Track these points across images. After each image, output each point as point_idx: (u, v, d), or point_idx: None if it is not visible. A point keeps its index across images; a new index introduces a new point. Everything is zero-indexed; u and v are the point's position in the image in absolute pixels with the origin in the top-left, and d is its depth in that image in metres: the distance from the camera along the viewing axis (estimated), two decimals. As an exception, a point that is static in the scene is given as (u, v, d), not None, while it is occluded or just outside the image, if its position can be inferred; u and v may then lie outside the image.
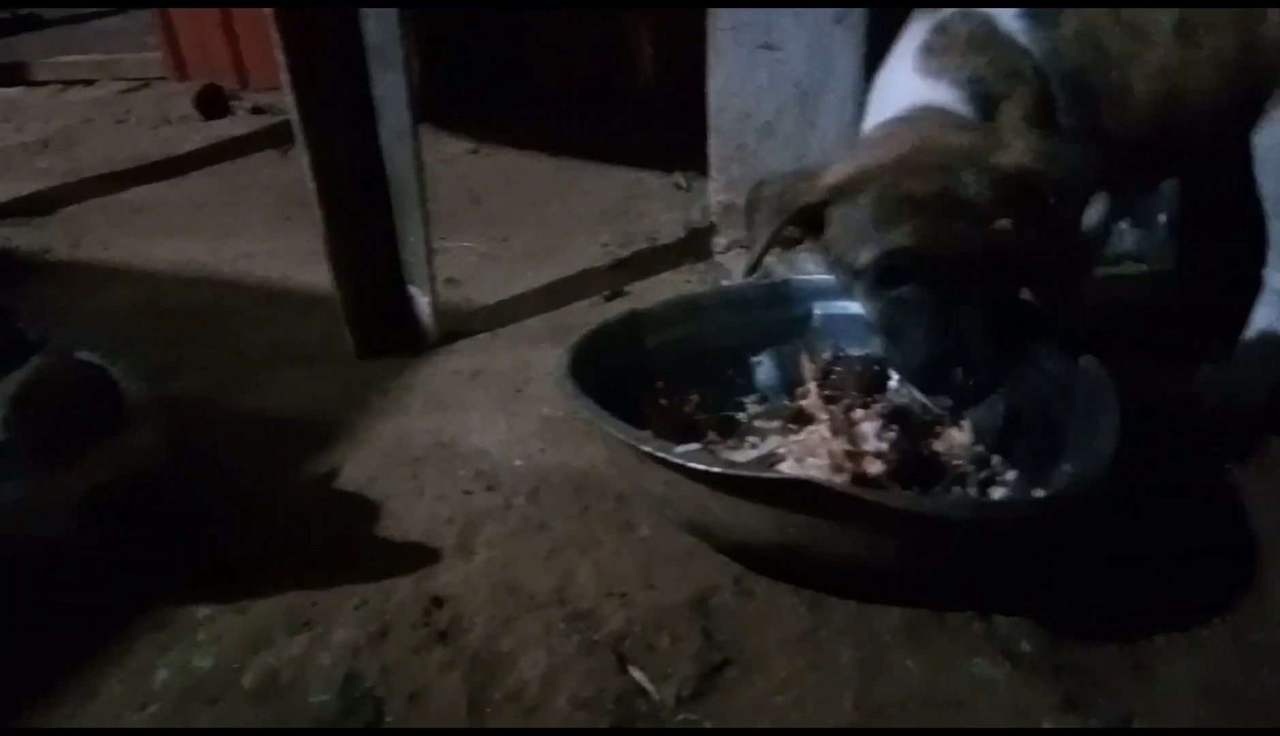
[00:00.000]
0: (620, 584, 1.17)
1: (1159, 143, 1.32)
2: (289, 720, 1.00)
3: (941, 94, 1.20)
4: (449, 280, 2.01)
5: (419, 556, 1.23)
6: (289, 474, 1.42)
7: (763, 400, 1.45)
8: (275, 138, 2.88)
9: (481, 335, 1.80)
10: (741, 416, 1.42)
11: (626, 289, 1.93)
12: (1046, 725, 0.96)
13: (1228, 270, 1.55)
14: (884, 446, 1.23)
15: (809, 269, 1.71)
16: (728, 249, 2.02)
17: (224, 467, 1.43)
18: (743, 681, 1.03)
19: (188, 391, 1.63)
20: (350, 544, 1.26)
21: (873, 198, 1.09)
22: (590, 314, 1.83)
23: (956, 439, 1.30)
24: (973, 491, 1.20)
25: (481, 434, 1.50)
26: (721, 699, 1.01)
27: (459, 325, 1.82)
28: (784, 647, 1.06)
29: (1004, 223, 1.05)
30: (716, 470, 0.98)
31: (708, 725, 0.98)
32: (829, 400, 1.34)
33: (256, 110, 3.41)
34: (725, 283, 1.91)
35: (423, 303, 1.74)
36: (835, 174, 1.14)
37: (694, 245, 2.13)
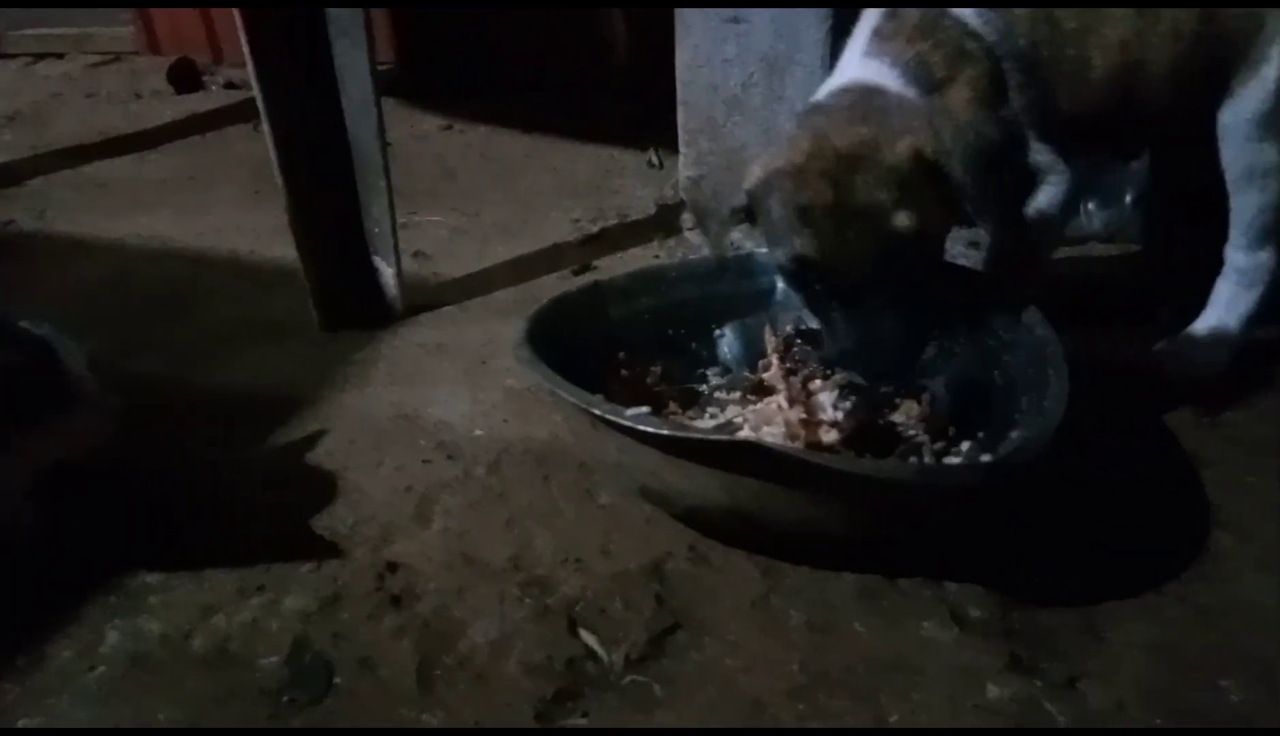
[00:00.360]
0: (577, 551, 1.17)
1: (1120, 117, 1.32)
2: (238, 685, 0.99)
3: (882, 76, 1.22)
4: (419, 254, 2.00)
5: (375, 525, 1.23)
6: (250, 447, 1.41)
7: (725, 372, 1.45)
8: (247, 113, 2.83)
9: (449, 308, 1.79)
10: (703, 388, 1.42)
11: (595, 264, 1.93)
12: (992, 686, 0.96)
13: (1193, 247, 1.56)
14: (839, 416, 1.24)
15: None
16: (696, 225, 2.02)
17: (185, 442, 1.42)
18: (693, 645, 1.03)
19: (151, 367, 1.62)
20: (307, 513, 1.25)
21: (776, 205, 1.16)
22: (558, 288, 1.80)
23: (914, 410, 1.31)
24: (928, 460, 1.20)
25: (445, 406, 1.49)
26: (671, 662, 1.01)
27: (427, 299, 1.81)
28: (735, 612, 1.07)
29: (902, 218, 1.09)
30: (665, 433, 0.98)
31: (656, 688, 0.98)
32: (790, 373, 1.34)
33: (229, 85, 3.37)
34: (690, 256, 1.91)
35: (388, 275, 1.73)
36: (750, 178, 1.20)
37: (664, 221, 2.12)
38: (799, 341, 1.42)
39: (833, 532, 1.06)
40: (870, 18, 1.31)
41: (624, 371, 1.37)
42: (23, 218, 2.25)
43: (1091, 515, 1.20)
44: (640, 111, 2.64)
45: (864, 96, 1.19)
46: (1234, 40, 1.31)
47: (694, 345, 1.47)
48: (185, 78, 3.35)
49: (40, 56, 3.82)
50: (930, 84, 1.21)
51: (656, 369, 1.40)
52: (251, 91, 1.60)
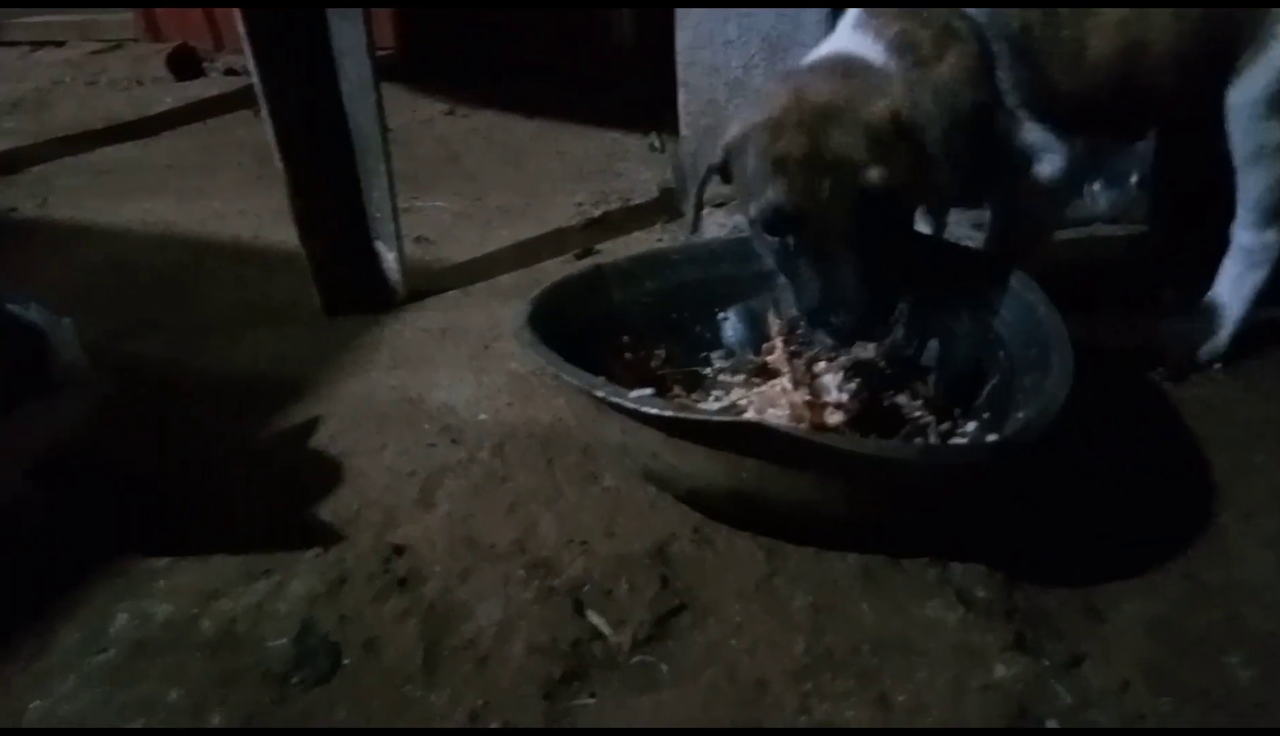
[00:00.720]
0: (581, 533, 1.17)
1: (1120, 98, 1.32)
2: (245, 668, 1.00)
3: (867, 49, 1.22)
4: (422, 239, 2.00)
5: (380, 508, 1.23)
6: (253, 431, 1.41)
7: (729, 355, 1.45)
8: (248, 98, 2.82)
9: (452, 292, 1.79)
10: (707, 371, 1.42)
11: (598, 247, 1.92)
12: (997, 665, 0.97)
13: (1199, 228, 1.55)
14: (844, 398, 1.24)
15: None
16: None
17: (187, 425, 1.42)
18: (698, 626, 1.03)
19: (153, 350, 1.62)
20: (312, 497, 1.26)
21: (752, 157, 1.15)
22: (561, 272, 1.80)
23: (920, 392, 1.31)
24: (933, 441, 1.20)
25: (448, 390, 1.49)
26: (676, 643, 1.01)
27: (430, 283, 1.81)
28: (740, 594, 1.07)
29: (874, 172, 1.09)
30: (669, 414, 0.98)
31: (663, 668, 0.98)
32: (794, 355, 1.34)
33: (230, 71, 3.37)
34: (693, 238, 1.90)
35: (390, 260, 1.73)
36: (728, 133, 1.20)
37: (667, 205, 2.12)
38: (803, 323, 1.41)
39: (837, 514, 1.06)
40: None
41: (627, 354, 1.37)
42: (25, 204, 2.25)
43: (1095, 495, 1.20)
44: (643, 95, 2.62)
45: (845, 62, 1.21)
46: (1241, 19, 1.30)
47: (697, 328, 1.47)
48: (186, 64, 3.35)
49: (42, 44, 3.81)
50: (915, 60, 1.22)
51: (660, 352, 1.40)
52: (251, 78, 1.59)
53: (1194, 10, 1.28)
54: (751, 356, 1.41)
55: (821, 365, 1.31)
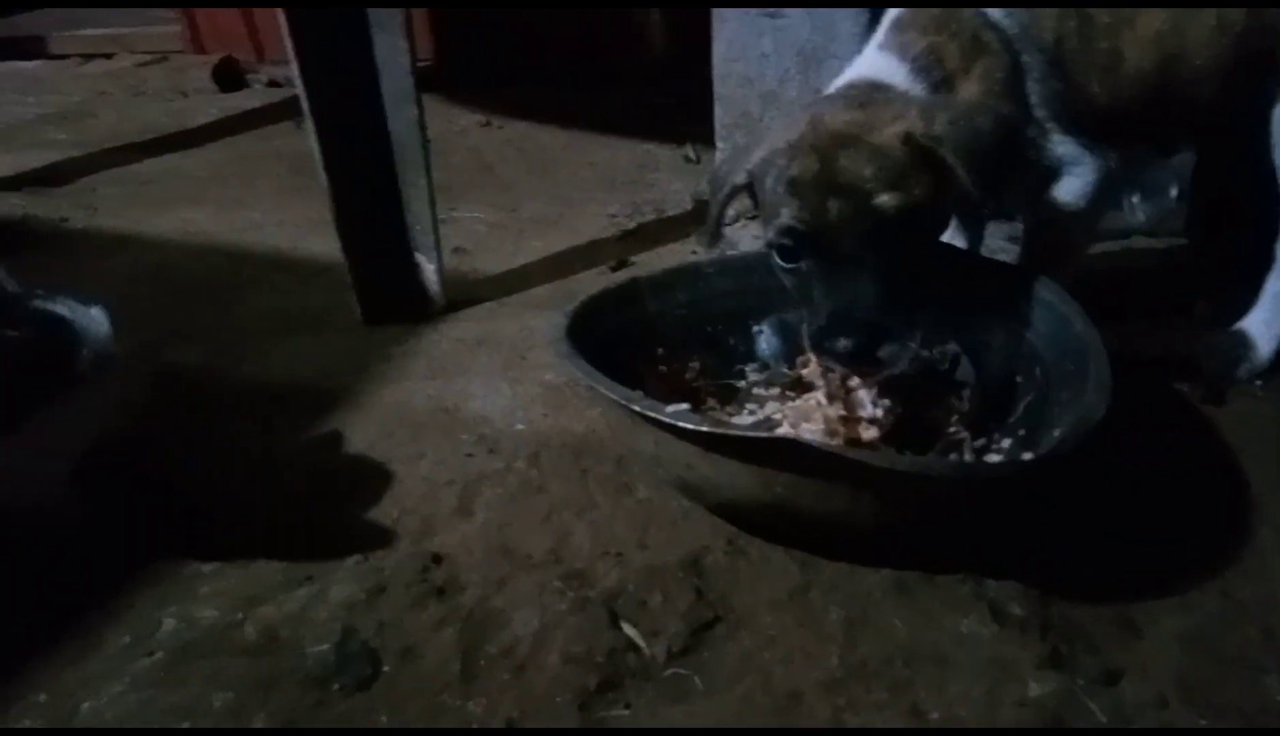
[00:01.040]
0: (615, 544, 1.18)
1: (1156, 111, 1.31)
2: (287, 672, 1.02)
3: (889, 69, 1.23)
4: (458, 249, 2.03)
5: (418, 517, 1.25)
6: (292, 438, 1.44)
7: (763, 368, 1.46)
8: (289, 110, 2.89)
9: (487, 303, 1.81)
10: (741, 384, 1.43)
11: (632, 259, 1.94)
12: (1031, 682, 0.96)
13: (1237, 242, 1.54)
14: (879, 413, 1.24)
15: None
16: (733, 220, 2.02)
17: (227, 432, 1.45)
18: (732, 638, 1.04)
19: (191, 360, 1.65)
20: (351, 505, 1.28)
21: (770, 180, 1.17)
22: (596, 283, 1.83)
23: (955, 407, 1.31)
24: (969, 458, 1.20)
25: (484, 400, 1.51)
26: (710, 654, 1.02)
27: (466, 293, 1.84)
28: (773, 605, 1.08)
29: (885, 197, 1.10)
30: (704, 429, 0.99)
31: (696, 679, 0.99)
32: (829, 369, 1.34)
33: (272, 83, 3.43)
34: (729, 252, 1.91)
35: (429, 270, 1.76)
36: (753, 157, 1.22)
37: (701, 216, 2.12)
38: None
39: (870, 528, 1.06)
40: (895, 10, 1.32)
41: (662, 367, 1.39)
42: (74, 214, 2.31)
43: (1131, 509, 1.20)
44: (677, 105, 2.64)
45: (866, 88, 1.22)
46: None
47: (731, 340, 1.48)
48: (229, 76, 3.42)
49: (89, 56, 3.90)
50: (940, 76, 1.23)
51: (695, 364, 1.41)
52: (292, 89, 1.63)
53: (1234, 23, 1.27)
54: (786, 369, 1.42)
55: (856, 380, 1.31)
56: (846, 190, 1.11)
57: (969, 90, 1.25)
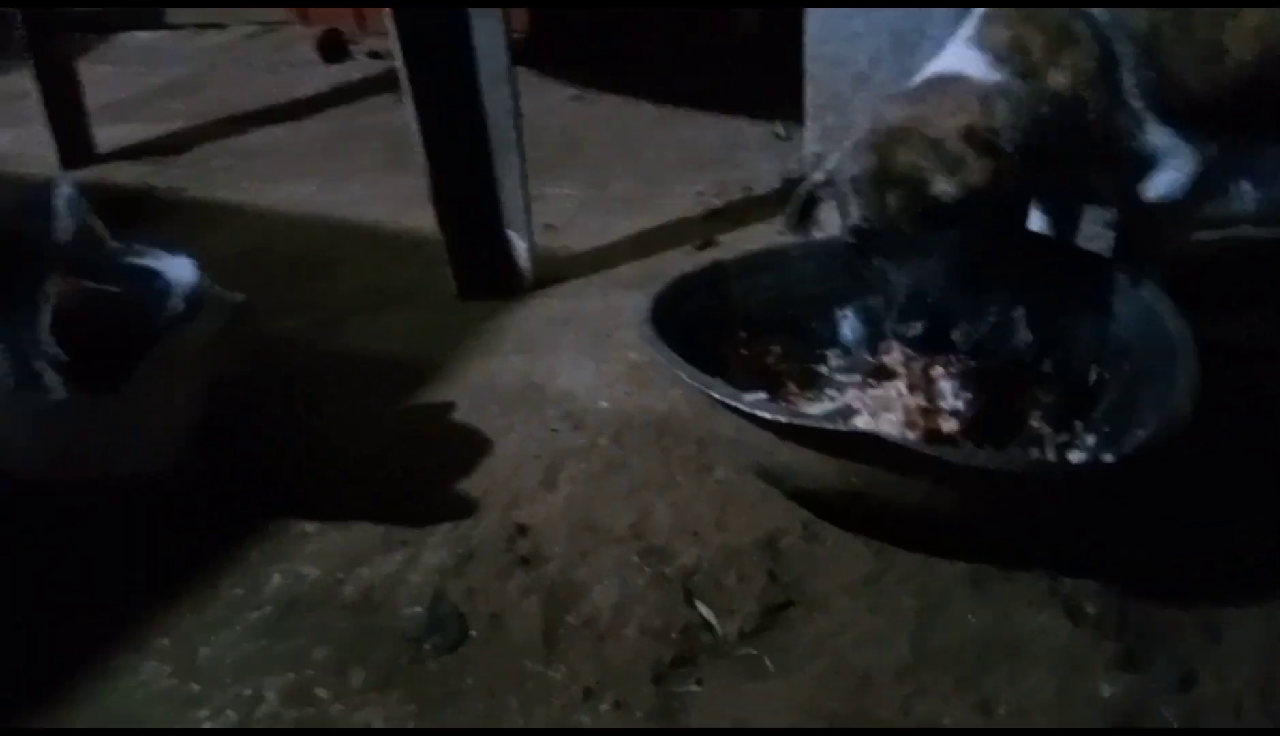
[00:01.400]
0: (694, 523, 1.22)
1: (1258, 101, 1.27)
2: (383, 630, 1.09)
3: (972, 62, 1.23)
4: (548, 226, 2.07)
5: (506, 488, 1.31)
6: (388, 407, 1.51)
7: (845, 354, 1.46)
8: (390, 83, 2.94)
9: (575, 281, 1.86)
10: (822, 369, 1.44)
11: (719, 239, 1.95)
12: (1103, 682, 0.97)
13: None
14: (960, 405, 1.25)
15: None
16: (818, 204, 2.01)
17: (325, 400, 1.53)
18: (804, 620, 1.07)
19: (296, 329, 1.74)
20: (443, 474, 1.34)
21: (840, 180, 1.24)
22: (682, 263, 1.86)
23: (1039, 400, 1.30)
24: (1050, 453, 1.20)
25: (570, 376, 1.56)
26: (782, 635, 1.06)
27: (555, 270, 1.88)
28: (847, 591, 1.10)
29: (941, 184, 1.13)
30: (783, 419, 1.01)
31: (768, 659, 1.03)
32: (911, 358, 1.35)
33: (374, 55, 3.51)
34: (817, 235, 1.91)
35: (521, 248, 1.81)
36: (832, 159, 1.29)
37: (789, 196, 2.11)
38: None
39: (947, 521, 1.08)
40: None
41: (743, 350, 1.41)
42: (191, 185, 2.43)
43: (1217, 509, 1.18)
44: (767, 81, 2.62)
45: (938, 82, 1.24)
46: None
47: (814, 325, 1.49)
48: (333, 48, 3.51)
49: (203, 27, 4.06)
50: (1024, 68, 1.22)
51: (776, 348, 1.43)
52: (393, 61, 1.69)
53: None
54: (868, 357, 1.42)
55: (939, 370, 1.32)
56: (903, 181, 1.15)
57: (1056, 80, 1.23)
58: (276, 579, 1.17)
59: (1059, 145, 1.21)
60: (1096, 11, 1.24)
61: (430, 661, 1.05)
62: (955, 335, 1.19)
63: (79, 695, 1.03)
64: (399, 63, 1.67)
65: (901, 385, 1.29)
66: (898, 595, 1.09)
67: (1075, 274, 1.32)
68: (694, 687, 1.00)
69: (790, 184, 2.18)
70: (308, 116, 2.94)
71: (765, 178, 2.25)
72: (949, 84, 1.22)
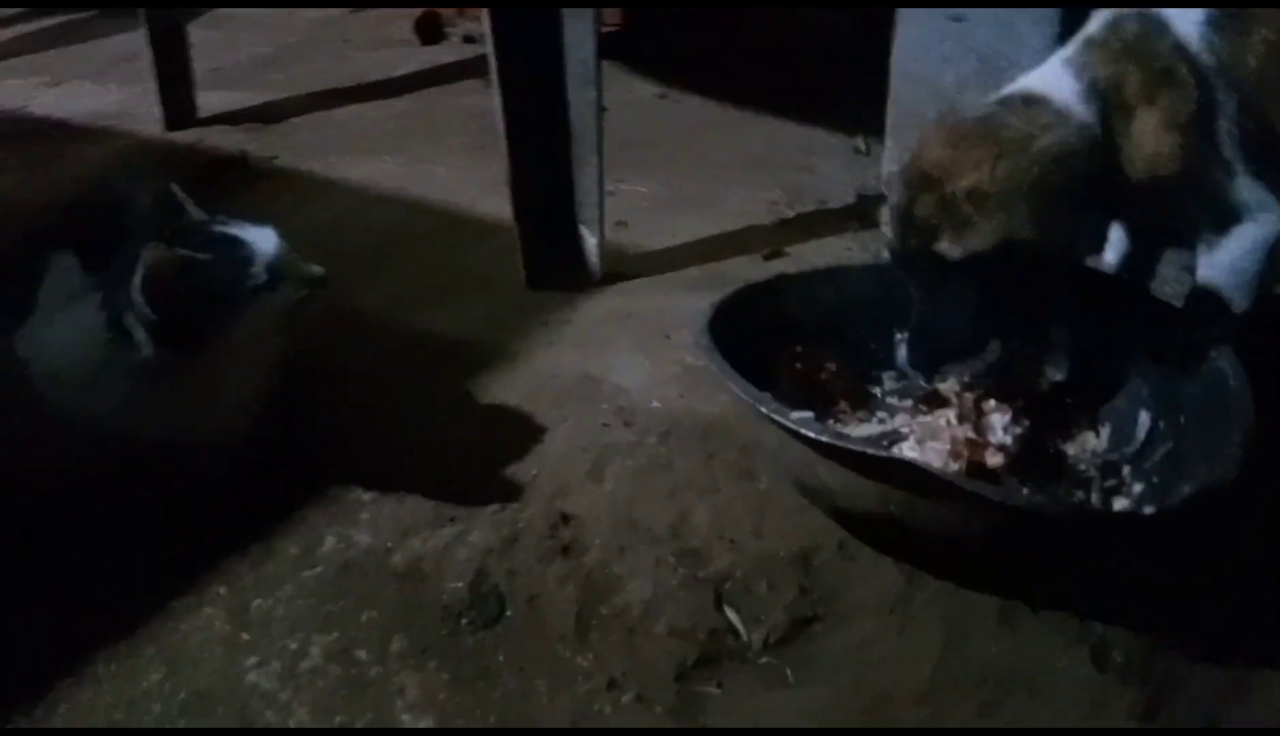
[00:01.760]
0: (732, 529, 1.25)
1: None
2: (426, 601, 1.15)
3: (1061, 85, 1.24)
4: (620, 222, 2.10)
5: (554, 477, 1.35)
6: (450, 388, 1.57)
7: (901, 377, 1.47)
8: (481, 68, 3.00)
9: (642, 279, 1.89)
10: (876, 390, 1.45)
11: (787, 249, 1.97)
12: (1128, 727, 0.98)
13: None
14: (1008, 440, 1.25)
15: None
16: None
17: (393, 378, 1.59)
18: (829, 636, 1.10)
19: (371, 304, 1.81)
20: (496, 457, 1.39)
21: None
22: (747, 269, 1.88)
23: (1090, 443, 1.30)
24: (1095, 498, 1.20)
25: (625, 373, 1.60)
26: (806, 648, 1.08)
27: (623, 267, 1.92)
28: (875, 611, 1.12)
29: (944, 244, 1.19)
30: (825, 440, 1.03)
31: (789, 671, 1.06)
32: (966, 387, 1.35)
33: (468, 39, 3.59)
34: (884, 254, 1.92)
35: (591, 243, 1.85)
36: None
37: (862, 211, 2.13)
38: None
39: (980, 554, 1.09)
40: (1093, 22, 1.30)
41: (798, 364, 1.43)
42: (283, 154, 2.53)
43: (1265, 566, 1.16)
44: (853, 90, 2.61)
45: (1004, 109, 1.24)
46: None
47: (872, 345, 1.49)
48: (430, 29, 3.60)
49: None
50: (1113, 104, 1.21)
51: (831, 365, 1.44)
52: (486, 48, 1.74)
53: None
54: (923, 382, 1.43)
55: (991, 403, 1.32)
56: (919, 230, 1.21)
57: (1146, 121, 1.22)
58: (331, 542, 1.24)
59: (1123, 194, 1.22)
60: (1204, 57, 1.22)
61: (468, 636, 1.11)
62: (956, 372, 1.28)
63: (140, 631, 1.11)
64: (490, 56, 1.72)
65: (952, 414, 1.30)
66: (925, 620, 1.11)
67: (1141, 320, 1.31)
68: (714, 690, 1.03)
69: (865, 200, 2.19)
70: (399, 95, 3.03)
71: (840, 190, 2.25)
72: (1018, 111, 1.23)
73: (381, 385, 1.58)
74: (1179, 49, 1.22)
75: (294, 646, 1.08)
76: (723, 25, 3.25)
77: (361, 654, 1.08)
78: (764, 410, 1.10)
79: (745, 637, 1.09)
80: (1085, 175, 1.21)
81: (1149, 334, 1.28)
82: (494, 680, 1.05)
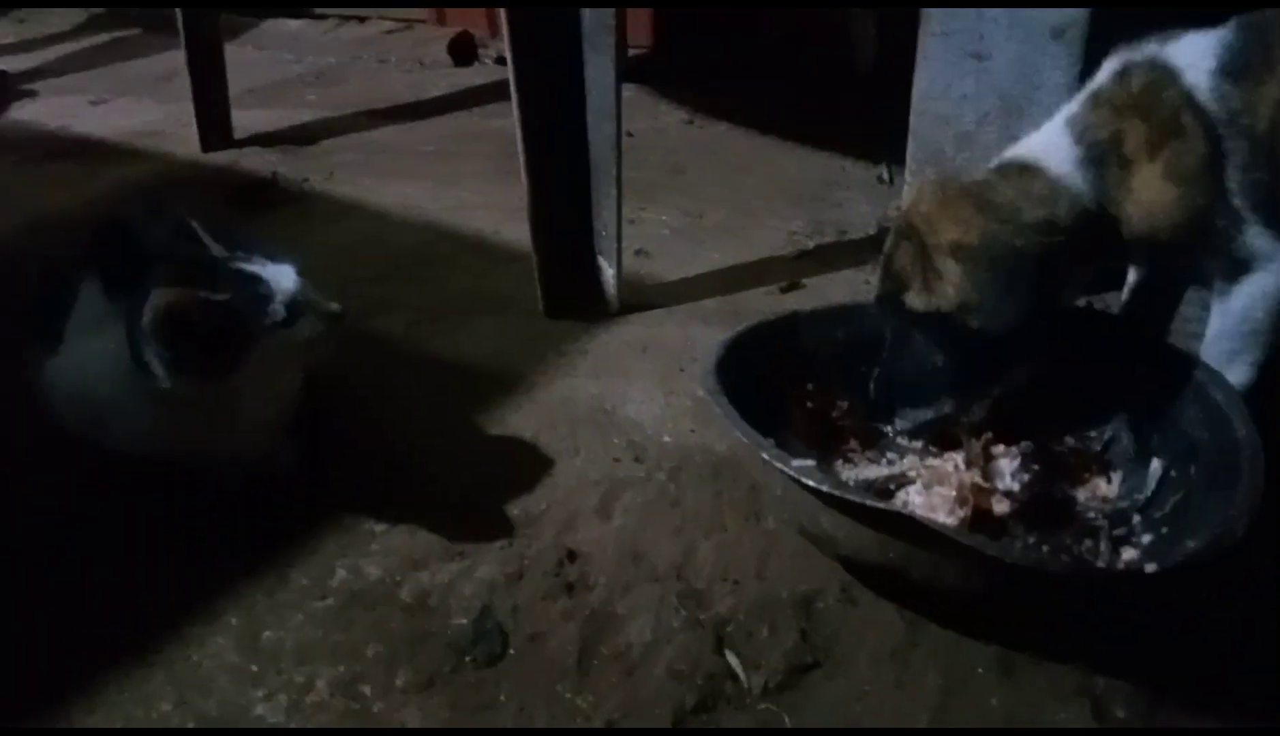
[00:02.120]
0: (735, 570, 1.26)
1: None
2: (431, 635, 1.16)
3: (1058, 148, 1.25)
4: (640, 251, 2.12)
5: (563, 511, 1.37)
6: (465, 416, 1.59)
7: (913, 417, 1.47)
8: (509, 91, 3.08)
9: (658, 310, 1.90)
10: (887, 429, 1.45)
11: (804, 281, 1.98)
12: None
13: None
14: (1015, 487, 1.25)
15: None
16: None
17: (410, 405, 1.62)
18: (828, 683, 1.10)
19: (392, 329, 1.84)
20: (506, 488, 1.41)
21: None
22: (764, 302, 1.90)
23: (1101, 490, 1.29)
24: (1103, 547, 1.19)
25: (639, 406, 1.61)
26: (805, 695, 1.08)
27: (640, 297, 1.93)
28: (874, 660, 1.12)
29: (910, 296, 1.25)
30: (824, 489, 1.04)
31: (786, 717, 1.06)
32: (976, 431, 1.35)
33: (500, 60, 3.64)
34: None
35: (608, 274, 1.87)
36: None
37: (882, 244, 2.12)
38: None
39: (979, 606, 1.09)
40: (1103, 72, 1.30)
41: (809, 403, 1.43)
42: (315, 176, 2.58)
43: (1269, 618, 1.15)
44: (877, 120, 2.62)
45: (999, 176, 1.27)
46: None
47: (885, 384, 1.50)
48: (464, 51, 3.65)
49: (346, 19, 4.27)
50: (1113, 163, 1.22)
51: (843, 404, 1.45)
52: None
53: None
54: (932, 422, 1.43)
55: (1000, 448, 1.32)
56: (894, 277, 1.27)
57: (1148, 173, 1.22)
58: (342, 573, 1.26)
59: (1125, 247, 1.25)
60: (1213, 107, 1.21)
61: (470, 671, 1.12)
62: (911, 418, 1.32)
63: (153, 656, 1.13)
64: (512, 87, 1.75)
65: (960, 458, 1.30)
66: (925, 670, 1.11)
67: (1153, 368, 1.30)
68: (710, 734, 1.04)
69: (885, 232, 2.19)
70: (430, 117, 3.08)
71: (861, 221, 2.26)
72: (1006, 184, 1.24)
73: (398, 411, 1.60)
74: (1187, 99, 1.21)
75: (301, 679, 1.10)
76: (751, 55, 3.28)
77: (366, 688, 1.10)
78: (766, 456, 1.10)
79: (744, 682, 1.09)
80: (1069, 250, 1.23)
81: (1161, 380, 1.27)
82: (495, 717, 1.07)
